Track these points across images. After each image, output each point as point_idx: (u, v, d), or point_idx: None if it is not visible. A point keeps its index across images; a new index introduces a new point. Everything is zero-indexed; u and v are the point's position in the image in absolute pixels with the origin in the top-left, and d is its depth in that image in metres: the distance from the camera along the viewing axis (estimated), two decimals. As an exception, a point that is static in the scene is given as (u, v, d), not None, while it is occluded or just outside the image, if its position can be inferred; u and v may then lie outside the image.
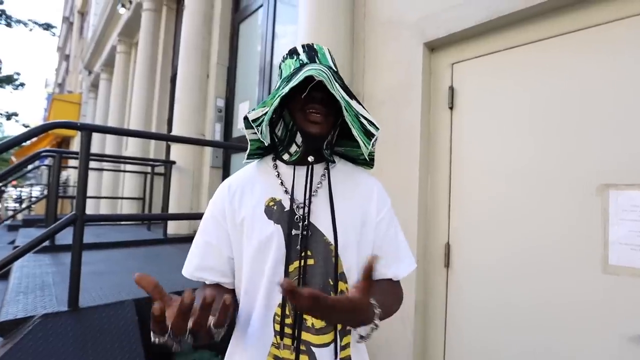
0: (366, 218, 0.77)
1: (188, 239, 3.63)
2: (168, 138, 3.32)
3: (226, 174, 3.88)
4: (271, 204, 0.74)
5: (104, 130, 1.87)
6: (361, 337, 0.60)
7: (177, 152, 3.84)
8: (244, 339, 0.74)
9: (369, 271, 0.48)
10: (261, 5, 3.65)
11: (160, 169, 4.44)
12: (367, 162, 0.83)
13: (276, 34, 3.42)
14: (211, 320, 0.50)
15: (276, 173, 0.79)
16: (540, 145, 1.45)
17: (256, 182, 0.79)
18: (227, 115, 4.01)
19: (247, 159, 0.83)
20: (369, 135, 0.75)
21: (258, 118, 0.73)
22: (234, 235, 0.75)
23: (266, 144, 0.76)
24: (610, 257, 1.26)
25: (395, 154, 1.84)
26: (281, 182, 0.77)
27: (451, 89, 1.75)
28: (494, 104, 1.60)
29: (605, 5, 1.32)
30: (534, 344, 1.41)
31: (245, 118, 0.75)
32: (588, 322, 1.29)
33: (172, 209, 3.66)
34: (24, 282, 1.95)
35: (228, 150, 3.88)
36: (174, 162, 3.74)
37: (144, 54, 5.88)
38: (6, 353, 1.31)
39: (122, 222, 4.99)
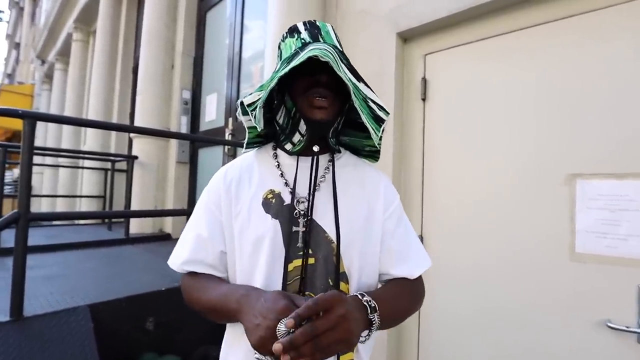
0: (372, 215, 0.71)
1: (152, 238, 3.46)
2: (129, 129, 3.12)
3: (193, 169, 3.71)
4: (269, 196, 0.68)
5: (51, 119, 1.66)
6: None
7: (140, 146, 3.61)
8: (240, 339, 0.66)
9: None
10: (229, -7, 3.51)
11: (122, 165, 4.18)
12: (372, 155, 0.78)
13: (245, 26, 3.29)
14: None
15: (276, 163, 0.72)
16: (513, 137, 1.46)
17: (254, 172, 0.73)
18: (194, 107, 3.83)
19: (246, 147, 0.76)
20: (378, 121, 0.69)
21: (254, 102, 0.66)
22: (228, 228, 0.69)
23: (259, 130, 0.70)
24: (577, 245, 1.28)
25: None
26: (281, 174, 0.71)
27: (424, 80, 1.74)
28: (466, 95, 1.60)
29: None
30: (505, 340, 1.42)
31: (241, 103, 0.68)
32: (557, 311, 1.31)
33: (134, 207, 3.45)
34: (-40, 290, 1.74)
35: (195, 144, 3.70)
36: (136, 157, 3.52)
37: (103, 42, 5.52)
38: None
39: (81, 222, 4.67)
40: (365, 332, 0.57)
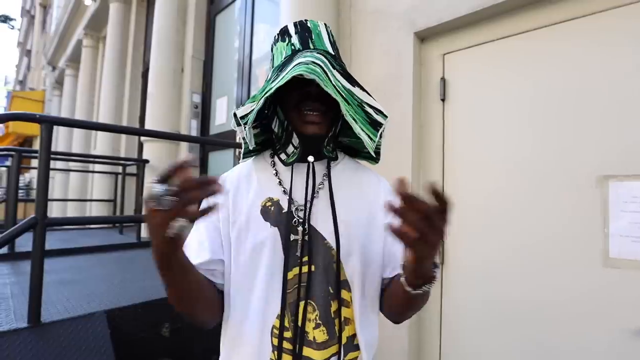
0: (372, 221, 0.69)
1: (164, 242, 3.44)
2: (140, 132, 3.11)
3: (204, 172, 3.70)
4: (268, 204, 0.67)
5: (67, 123, 1.64)
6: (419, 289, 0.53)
7: (151, 150, 3.62)
8: (237, 354, 0.65)
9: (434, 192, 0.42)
10: (239, -3, 3.50)
11: (132, 169, 4.20)
12: (372, 156, 0.76)
13: (255, 28, 3.28)
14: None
15: (274, 171, 0.71)
16: (537, 138, 1.41)
17: (252, 179, 0.71)
18: (204, 111, 3.83)
19: (243, 157, 0.75)
20: (375, 126, 0.67)
21: (247, 115, 0.65)
22: (225, 236, 0.67)
23: (250, 147, 0.69)
24: (610, 250, 1.23)
25: (385, 148, 1.76)
26: (279, 182, 0.69)
27: (443, 80, 1.70)
28: (488, 95, 1.56)
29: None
30: (533, 343, 1.37)
31: (235, 115, 0.67)
32: (589, 318, 1.26)
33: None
34: (-24, 295, 1.74)
35: (205, 147, 3.69)
36: (147, 161, 3.53)
37: (112, 48, 5.57)
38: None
39: (92, 226, 4.69)
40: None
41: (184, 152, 3.65)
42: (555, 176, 1.36)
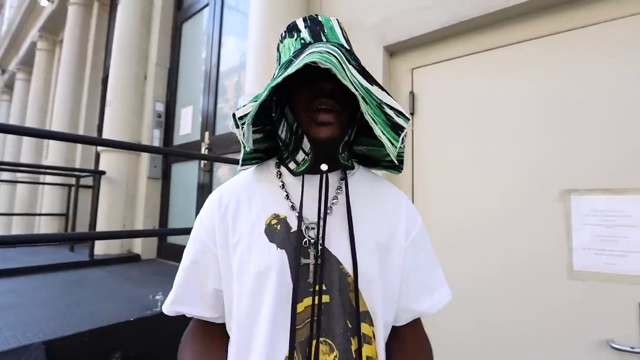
0: (393, 242, 0.62)
1: (120, 260, 3.20)
2: (95, 141, 2.85)
3: (166, 185, 3.51)
4: (273, 222, 0.59)
5: (4, 129, 1.42)
6: None
7: (108, 161, 3.39)
8: None
9: None
10: (206, 5, 3.42)
11: (87, 181, 3.92)
12: (394, 165, 0.67)
13: (223, 40, 3.21)
14: None
15: (280, 183, 0.62)
16: (504, 153, 1.43)
17: (254, 193, 0.62)
18: (168, 120, 3.66)
19: (242, 165, 0.65)
20: (396, 129, 0.57)
21: (246, 115, 0.56)
22: (224, 262, 0.59)
23: (247, 149, 0.60)
24: (574, 262, 1.25)
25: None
26: (286, 195, 0.61)
27: (412, 94, 1.70)
28: (456, 110, 1.57)
29: (565, 11, 1.34)
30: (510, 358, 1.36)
31: (234, 115, 0.58)
32: (557, 331, 1.26)
33: (100, 226, 3.21)
34: None
35: (168, 158, 3.52)
36: (103, 172, 3.29)
37: (70, 52, 5.26)
38: None
39: (39, 244, 4.30)
40: None
41: (145, 163, 3.46)
42: (524, 191, 1.37)
